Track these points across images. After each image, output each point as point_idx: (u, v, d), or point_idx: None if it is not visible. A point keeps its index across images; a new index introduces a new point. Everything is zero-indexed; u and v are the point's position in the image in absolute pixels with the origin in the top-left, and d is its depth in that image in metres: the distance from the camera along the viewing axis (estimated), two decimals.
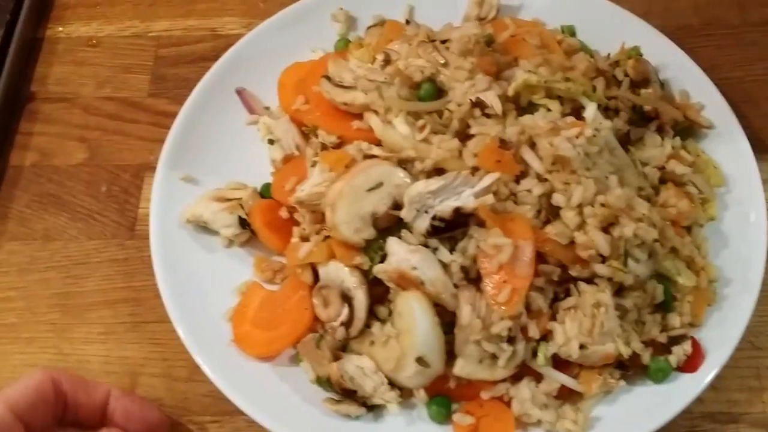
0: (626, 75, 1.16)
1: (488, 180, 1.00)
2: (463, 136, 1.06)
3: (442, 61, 1.10)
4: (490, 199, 0.99)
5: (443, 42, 1.14)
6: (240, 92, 1.23)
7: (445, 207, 0.99)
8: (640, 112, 1.14)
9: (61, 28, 1.41)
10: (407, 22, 1.27)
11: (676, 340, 1.02)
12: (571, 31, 1.25)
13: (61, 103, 1.32)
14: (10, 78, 1.31)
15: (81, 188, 1.24)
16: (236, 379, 1.01)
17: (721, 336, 1.02)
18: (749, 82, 1.28)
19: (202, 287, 1.09)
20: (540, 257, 0.98)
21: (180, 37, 1.38)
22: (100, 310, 1.14)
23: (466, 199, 0.99)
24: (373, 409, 1.01)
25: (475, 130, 1.05)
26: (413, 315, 0.97)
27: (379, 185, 1.02)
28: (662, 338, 1.02)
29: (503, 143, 1.03)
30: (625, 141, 1.12)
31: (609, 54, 1.21)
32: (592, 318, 0.97)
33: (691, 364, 1.01)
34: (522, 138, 1.03)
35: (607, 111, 1.12)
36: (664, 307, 1.04)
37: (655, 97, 1.15)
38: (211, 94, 1.22)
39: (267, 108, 1.23)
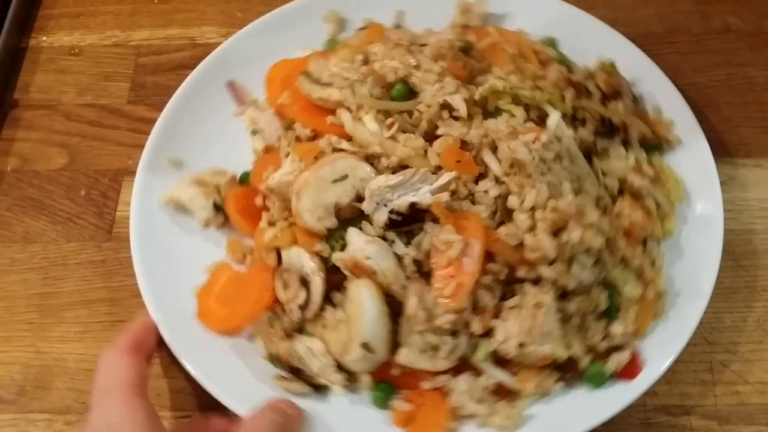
0: (597, 87, 1.18)
1: (445, 178, 1.03)
2: (432, 136, 1.10)
3: (414, 64, 1.13)
4: (444, 197, 1.02)
5: (423, 45, 1.18)
6: (230, 84, 1.28)
7: (402, 201, 1.03)
8: (609, 124, 1.16)
9: (44, 38, 1.45)
10: (398, 26, 1.31)
11: (617, 348, 1.04)
12: (551, 43, 1.27)
13: (43, 110, 1.36)
14: None
15: (61, 192, 1.28)
16: (193, 350, 1.06)
17: (663, 345, 1.05)
18: (710, 87, 1.32)
19: (175, 264, 1.13)
20: (490, 256, 1.02)
21: (160, 46, 1.42)
22: (77, 309, 1.17)
23: (423, 195, 1.03)
24: (320, 389, 1.05)
25: (442, 131, 1.09)
26: (362, 302, 1.02)
27: (344, 177, 1.06)
28: (602, 345, 1.04)
29: (464, 144, 1.06)
30: (591, 151, 1.14)
31: (585, 66, 1.24)
32: (533, 318, 1.00)
33: (628, 372, 1.03)
34: (484, 141, 1.06)
35: (575, 121, 1.15)
36: (609, 314, 1.06)
37: (625, 111, 1.17)
38: (202, 85, 1.27)
39: (255, 100, 1.28)
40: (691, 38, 1.38)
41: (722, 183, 1.17)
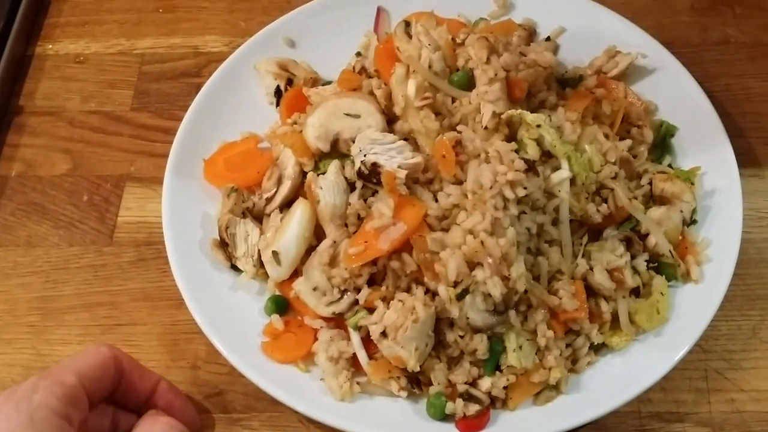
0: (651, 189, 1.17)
1: (415, 159, 1.09)
2: (453, 128, 1.13)
3: (485, 60, 1.13)
4: (401, 173, 1.07)
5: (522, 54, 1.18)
6: (379, 9, 1.36)
7: (371, 158, 1.09)
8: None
9: (50, 46, 1.47)
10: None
11: (473, 397, 1.03)
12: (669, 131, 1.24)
13: (48, 117, 1.38)
14: (0, 92, 1.37)
15: (63, 197, 1.29)
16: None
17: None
18: (709, 98, 1.32)
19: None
20: (410, 249, 1.05)
21: (163, 55, 1.44)
22: (77, 313, 1.19)
23: (388, 161, 1.08)
24: (234, 269, 1.15)
25: (461, 127, 1.11)
26: (292, 218, 1.12)
27: (357, 116, 1.14)
28: (462, 387, 1.04)
29: (460, 146, 1.08)
30: (591, 231, 1.13)
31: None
32: (405, 319, 1.01)
33: (466, 424, 1.02)
34: (481, 155, 1.07)
35: (596, 195, 1.12)
36: (486, 366, 1.05)
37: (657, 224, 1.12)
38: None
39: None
40: (691, 49, 1.38)
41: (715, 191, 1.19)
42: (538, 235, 1.08)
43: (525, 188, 1.03)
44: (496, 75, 1.11)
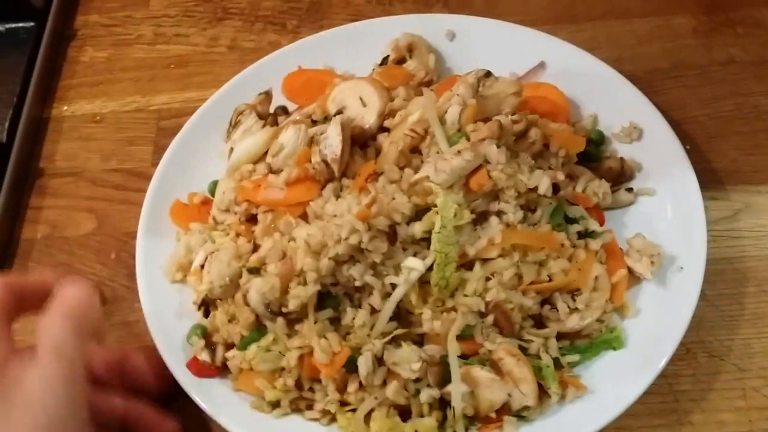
0: None
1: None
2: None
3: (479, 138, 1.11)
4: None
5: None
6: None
7: None
8: None
9: (66, 107, 1.49)
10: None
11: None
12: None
13: (69, 178, 1.40)
14: (19, 156, 1.39)
15: (91, 256, 1.30)
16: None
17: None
18: (719, 117, 1.35)
19: None
20: None
21: (179, 109, 1.46)
22: None
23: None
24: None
25: (388, 167, 1.12)
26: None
27: None
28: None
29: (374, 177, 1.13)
30: None
31: None
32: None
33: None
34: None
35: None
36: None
37: None
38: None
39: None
40: (697, 71, 1.41)
41: (738, 210, 1.21)
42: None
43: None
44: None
